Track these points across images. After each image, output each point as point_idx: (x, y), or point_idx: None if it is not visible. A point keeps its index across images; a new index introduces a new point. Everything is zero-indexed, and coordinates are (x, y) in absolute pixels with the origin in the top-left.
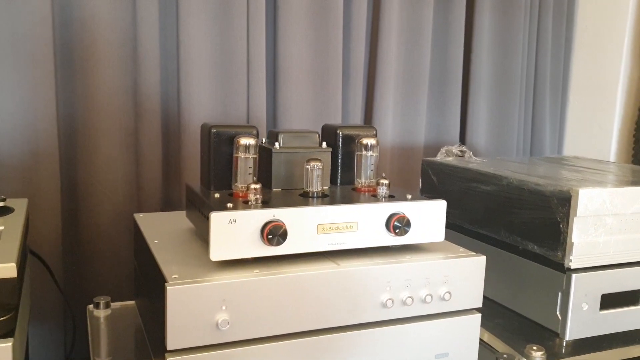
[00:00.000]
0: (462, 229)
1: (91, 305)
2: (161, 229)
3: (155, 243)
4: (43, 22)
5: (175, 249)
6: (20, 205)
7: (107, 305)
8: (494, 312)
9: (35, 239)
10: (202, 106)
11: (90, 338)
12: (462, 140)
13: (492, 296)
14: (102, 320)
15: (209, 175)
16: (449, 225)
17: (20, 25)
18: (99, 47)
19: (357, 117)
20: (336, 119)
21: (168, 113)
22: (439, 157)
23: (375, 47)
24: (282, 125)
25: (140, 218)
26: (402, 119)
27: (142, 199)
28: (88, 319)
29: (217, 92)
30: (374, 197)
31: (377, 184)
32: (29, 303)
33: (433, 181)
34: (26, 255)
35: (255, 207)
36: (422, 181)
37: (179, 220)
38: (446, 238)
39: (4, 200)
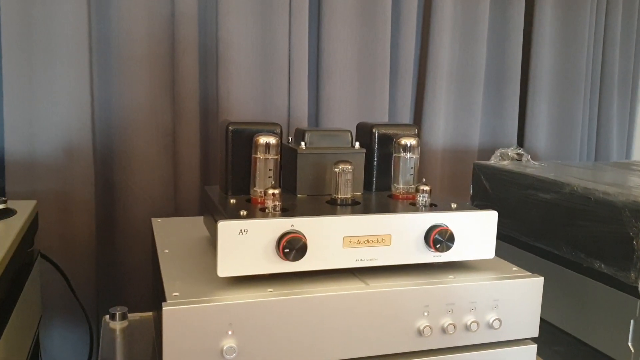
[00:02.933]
0: (518, 242)
1: (107, 316)
2: (176, 237)
3: (165, 253)
4: (78, 19)
5: (185, 261)
6: (24, 208)
7: (123, 317)
8: (553, 338)
9: (68, 240)
10: (241, 105)
11: (100, 351)
12: (520, 143)
13: (551, 319)
14: (117, 332)
15: (226, 178)
16: (503, 238)
17: (55, 23)
18: (136, 44)
19: (405, 118)
20: (383, 120)
21: (207, 113)
22: (493, 161)
23: (426, 43)
24: (326, 126)
25: (158, 223)
26: (455, 120)
27: (179, 202)
28: (102, 331)
29: (257, 91)
30: (413, 206)
31: (417, 190)
32: (39, 311)
33: (485, 187)
34: (30, 260)
35: (273, 216)
36: (473, 187)
37: (198, 227)
38: (499, 252)
39: (4, 202)
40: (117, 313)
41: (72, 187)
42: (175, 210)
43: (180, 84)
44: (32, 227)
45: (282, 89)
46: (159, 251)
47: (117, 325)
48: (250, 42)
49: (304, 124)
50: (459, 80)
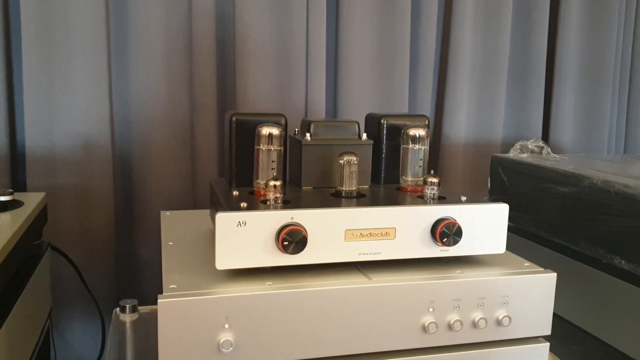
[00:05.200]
0: (536, 237)
1: (118, 309)
2: (182, 229)
3: (168, 245)
4: (97, 14)
5: (187, 254)
6: (32, 199)
7: (133, 309)
8: (571, 337)
9: (86, 233)
10: (258, 99)
11: (108, 344)
12: (546, 136)
13: (568, 317)
14: (128, 325)
15: (230, 170)
16: (520, 232)
17: (74, 17)
18: (154, 38)
19: (426, 111)
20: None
21: (225, 107)
22: (512, 154)
23: (447, 34)
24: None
25: (166, 216)
26: (478, 113)
27: (197, 195)
28: (112, 324)
29: (274, 84)
30: (420, 199)
31: (425, 182)
32: (49, 303)
33: (503, 181)
34: (38, 252)
35: (274, 208)
36: (491, 181)
37: (205, 220)
38: (516, 247)
39: (11, 193)
40: (127, 306)
41: (91, 180)
42: (194, 204)
43: (197, 79)
44: (39, 219)
45: (299, 82)
46: (162, 243)
47: (127, 318)
48: (268, 35)
49: (321, 117)
50: (482, 72)
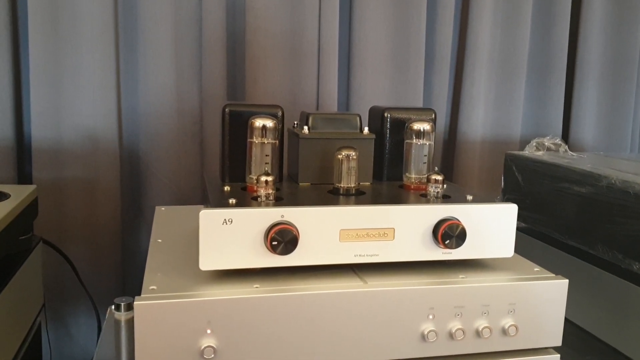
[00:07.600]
0: (550, 239)
1: (113, 306)
2: (174, 226)
3: (157, 242)
4: (105, 3)
5: (174, 252)
6: (19, 192)
7: (128, 307)
8: (587, 347)
9: (93, 227)
10: (268, 93)
11: (99, 343)
12: (565, 135)
13: (584, 325)
14: (122, 323)
15: (222, 165)
16: (534, 234)
17: (81, 8)
18: (163, 29)
19: (442, 107)
20: None
21: (235, 99)
22: (527, 151)
23: (465, 27)
24: None
25: (161, 211)
26: (495, 110)
27: None
28: (106, 322)
29: (285, 77)
30: (423, 197)
31: (428, 180)
32: (40, 299)
33: (517, 180)
34: (27, 246)
35: (265, 205)
36: (504, 179)
37: None
38: (529, 250)
39: None
40: (122, 304)
41: (98, 174)
42: (203, 200)
43: (207, 71)
44: (27, 213)
45: (311, 75)
46: (151, 241)
47: (122, 316)
48: (279, 27)
49: (333, 111)
50: (500, 67)
